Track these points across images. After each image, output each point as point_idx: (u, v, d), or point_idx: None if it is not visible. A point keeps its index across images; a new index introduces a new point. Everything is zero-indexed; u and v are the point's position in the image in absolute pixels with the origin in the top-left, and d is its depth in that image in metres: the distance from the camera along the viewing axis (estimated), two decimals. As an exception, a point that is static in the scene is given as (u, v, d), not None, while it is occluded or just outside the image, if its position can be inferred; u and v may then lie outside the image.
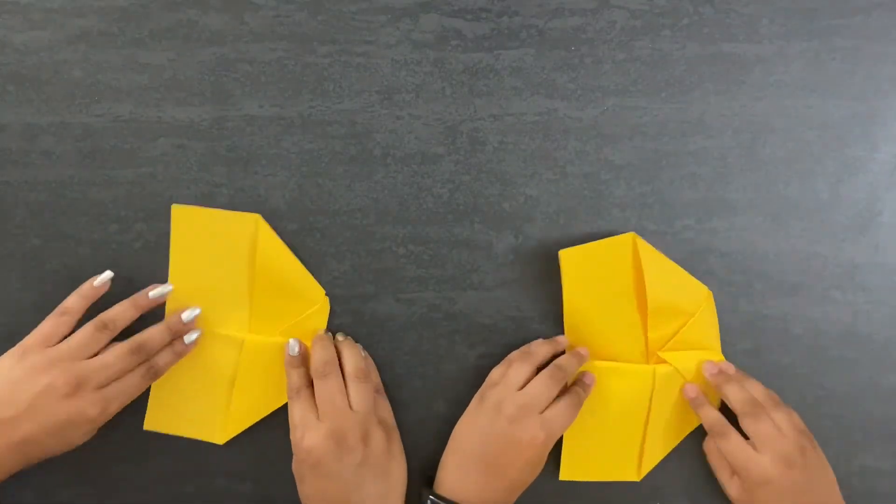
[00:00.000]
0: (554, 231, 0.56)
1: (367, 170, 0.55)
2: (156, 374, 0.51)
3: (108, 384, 0.49)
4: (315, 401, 0.51)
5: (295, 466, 0.50)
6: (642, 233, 0.55)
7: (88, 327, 0.50)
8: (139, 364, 0.51)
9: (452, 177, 0.55)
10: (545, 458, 0.52)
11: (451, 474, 0.52)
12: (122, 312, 0.51)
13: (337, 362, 0.52)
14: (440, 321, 0.56)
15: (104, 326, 0.50)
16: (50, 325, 0.49)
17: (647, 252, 0.54)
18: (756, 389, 0.53)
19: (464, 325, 0.56)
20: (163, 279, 0.54)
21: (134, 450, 0.54)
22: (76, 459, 0.54)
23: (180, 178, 0.54)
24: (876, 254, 0.57)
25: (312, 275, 0.55)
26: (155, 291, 0.52)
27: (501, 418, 0.50)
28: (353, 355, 0.52)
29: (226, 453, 0.55)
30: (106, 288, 0.52)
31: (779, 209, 0.56)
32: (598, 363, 0.55)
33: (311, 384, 0.52)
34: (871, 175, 0.57)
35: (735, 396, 0.52)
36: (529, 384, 0.51)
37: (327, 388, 0.50)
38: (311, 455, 0.48)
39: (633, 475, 0.55)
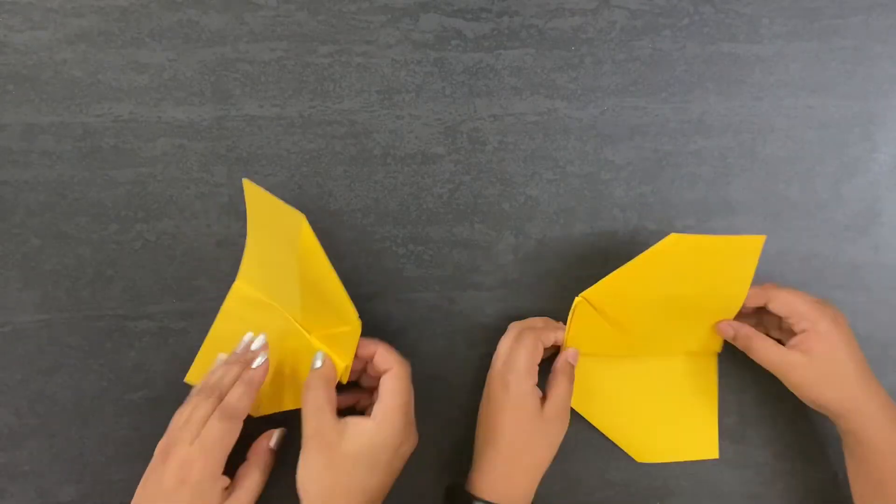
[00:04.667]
0: (554, 231, 0.56)
1: (367, 170, 0.55)
2: (231, 413, 0.46)
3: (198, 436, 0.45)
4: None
5: (330, 454, 0.46)
6: (642, 233, 0.55)
7: (196, 402, 0.47)
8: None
9: (452, 177, 0.55)
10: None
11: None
12: (224, 376, 0.48)
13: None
14: (440, 321, 0.56)
15: (209, 394, 0.47)
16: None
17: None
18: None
19: (464, 325, 0.56)
20: (163, 279, 0.54)
21: (134, 450, 0.54)
22: (76, 459, 0.54)
23: (180, 178, 0.54)
24: (876, 254, 0.56)
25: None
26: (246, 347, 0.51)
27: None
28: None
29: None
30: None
31: (779, 209, 0.56)
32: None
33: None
34: (871, 175, 0.56)
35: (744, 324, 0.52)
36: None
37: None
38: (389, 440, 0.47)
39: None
